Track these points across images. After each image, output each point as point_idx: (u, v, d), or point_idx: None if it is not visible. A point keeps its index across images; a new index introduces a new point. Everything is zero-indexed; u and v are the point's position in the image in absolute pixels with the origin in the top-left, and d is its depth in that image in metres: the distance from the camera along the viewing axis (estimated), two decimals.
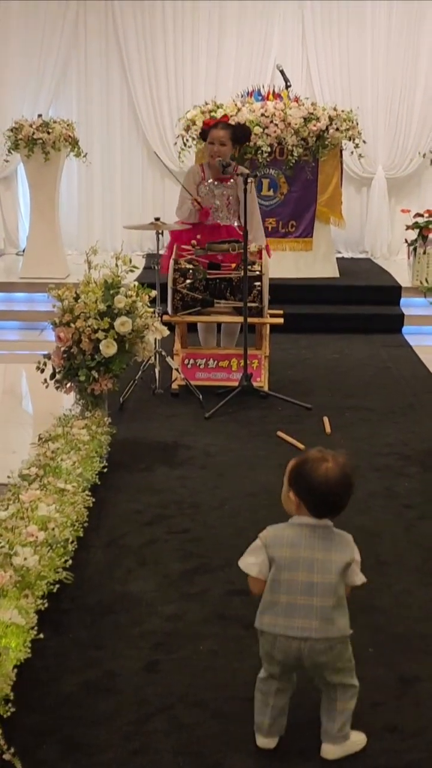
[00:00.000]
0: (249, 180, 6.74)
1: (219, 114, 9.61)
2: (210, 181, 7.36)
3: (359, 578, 2.98)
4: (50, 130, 10.04)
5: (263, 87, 10.60)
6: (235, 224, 7.34)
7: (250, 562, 3.02)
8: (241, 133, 7.45)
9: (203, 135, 7.51)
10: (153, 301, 6.18)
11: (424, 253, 10.20)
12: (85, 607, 3.98)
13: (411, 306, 9.93)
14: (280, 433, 6.18)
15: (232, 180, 7.28)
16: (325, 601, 2.89)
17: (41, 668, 3.48)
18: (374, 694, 3.33)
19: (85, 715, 3.22)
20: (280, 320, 7.34)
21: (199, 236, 7.33)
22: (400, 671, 3.51)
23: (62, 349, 5.60)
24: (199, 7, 12.49)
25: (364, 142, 10.55)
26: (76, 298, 5.64)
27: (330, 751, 3.01)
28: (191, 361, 7.35)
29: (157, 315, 6.48)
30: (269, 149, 9.84)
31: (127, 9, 12.49)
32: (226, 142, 7.21)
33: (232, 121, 8.42)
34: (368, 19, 12.53)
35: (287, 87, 10.40)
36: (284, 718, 3.07)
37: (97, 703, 3.29)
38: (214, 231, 7.41)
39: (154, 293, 6.11)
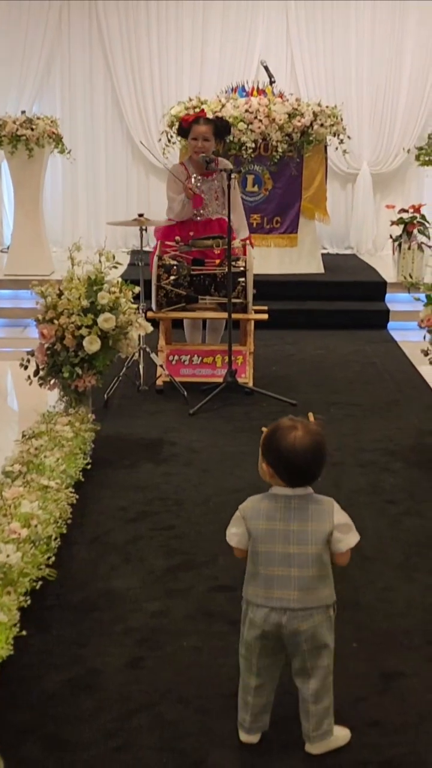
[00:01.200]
0: (232, 176, 6.73)
1: (206, 110, 9.57)
2: (195, 176, 7.34)
3: (344, 543, 2.93)
4: (34, 127, 10.01)
5: (247, 83, 10.61)
6: (224, 214, 7.30)
7: (231, 532, 3.03)
8: (222, 127, 7.43)
9: (183, 132, 7.46)
10: (137, 298, 6.17)
11: (409, 248, 10.21)
12: (68, 604, 3.97)
13: (396, 302, 9.93)
14: (264, 429, 6.16)
15: (215, 174, 7.26)
16: (303, 571, 2.89)
17: (24, 665, 3.47)
18: (357, 689, 3.33)
19: (69, 713, 3.21)
20: (265, 316, 7.34)
21: (192, 233, 7.30)
22: (382, 667, 3.51)
23: (46, 345, 5.59)
24: (183, 3, 12.48)
25: (348, 137, 10.56)
26: (60, 295, 5.63)
27: (312, 747, 3.01)
28: (176, 357, 7.34)
29: (141, 311, 6.47)
30: (254, 145, 9.84)
31: (110, 5, 12.48)
32: (209, 137, 7.20)
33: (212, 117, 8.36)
34: (352, 15, 12.55)
35: (271, 83, 10.41)
36: (267, 716, 3.07)
37: (81, 700, 3.29)
38: (207, 226, 7.39)
39: (137, 289, 6.10)
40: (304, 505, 2.94)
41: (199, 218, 7.37)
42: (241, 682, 3.07)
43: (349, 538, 2.95)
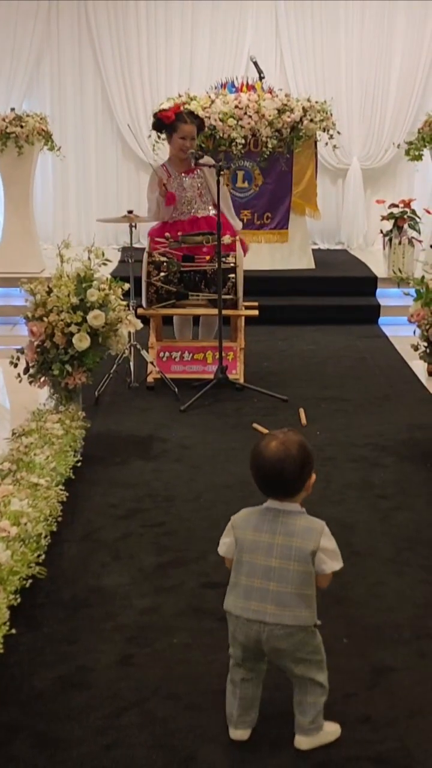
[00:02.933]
0: (222, 172, 6.71)
1: (193, 106, 9.55)
2: (177, 174, 7.32)
3: (328, 566, 2.93)
4: (23, 124, 10.00)
5: (237, 79, 10.61)
6: (211, 212, 7.29)
7: (222, 542, 3.07)
8: (200, 125, 7.46)
9: (162, 127, 7.39)
10: (127, 294, 6.17)
11: (400, 243, 10.21)
12: (58, 601, 3.97)
13: (387, 297, 9.93)
14: (255, 425, 6.18)
15: (197, 170, 7.24)
16: (282, 587, 2.88)
17: (14, 663, 3.47)
18: (347, 684, 3.33)
19: (59, 710, 3.21)
20: (255, 312, 7.33)
21: (180, 232, 7.29)
22: (372, 662, 3.51)
23: (35, 343, 5.58)
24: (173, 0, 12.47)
25: (338, 133, 10.56)
26: (49, 292, 5.62)
27: (303, 742, 3.01)
28: (166, 354, 7.33)
29: (131, 308, 6.47)
30: (243, 141, 9.83)
31: (100, 2, 12.46)
32: (195, 136, 7.24)
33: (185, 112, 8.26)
34: (342, 10, 12.56)
35: (261, 78, 10.40)
36: (254, 711, 3.07)
37: (71, 698, 3.28)
38: (194, 224, 7.37)
39: (127, 286, 6.09)
40: (292, 521, 2.94)
41: (184, 216, 7.34)
42: (228, 675, 3.08)
43: (333, 563, 2.95)
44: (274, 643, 2.89)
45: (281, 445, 2.91)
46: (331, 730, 3.06)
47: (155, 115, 7.45)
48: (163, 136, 9.73)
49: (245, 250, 7.45)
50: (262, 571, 2.91)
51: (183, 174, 7.32)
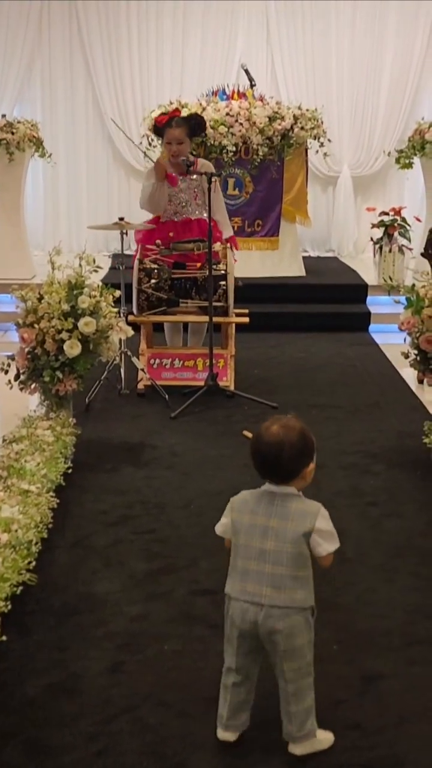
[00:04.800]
0: (213, 179, 6.72)
1: (184, 113, 9.54)
2: (176, 176, 7.32)
3: (323, 548, 2.95)
4: (14, 131, 9.99)
5: (228, 86, 10.60)
6: (205, 215, 7.26)
7: (220, 522, 3.10)
8: (196, 125, 7.37)
9: (159, 132, 7.45)
10: (118, 301, 6.17)
11: (390, 251, 10.24)
12: (49, 608, 3.97)
13: (377, 304, 9.94)
14: (245, 432, 6.16)
15: (195, 175, 7.23)
16: (277, 569, 2.91)
17: (5, 670, 3.47)
18: (337, 691, 3.34)
19: (50, 717, 3.22)
20: (246, 319, 7.35)
21: (171, 234, 7.29)
22: (362, 668, 3.52)
23: (26, 349, 5.59)
24: (164, 7, 12.49)
25: (329, 140, 10.57)
26: (40, 299, 5.62)
27: (296, 748, 3.02)
28: (157, 361, 7.34)
29: (122, 315, 6.47)
30: (234, 149, 9.83)
31: (91, 9, 12.47)
32: (183, 139, 7.15)
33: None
34: (333, 18, 12.57)
35: (252, 86, 10.41)
36: (245, 715, 3.07)
37: (62, 705, 3.29)
38: (186, 226, 7.38)
39: (118, 293, 6.10)
40: (287, 504, 2.96)
41: (177, 217, 7.35)
42: (222, 677, 3.09)
43: (328, 544, 2.97)
44: (271, 624, 2.90)
45: (281, 429, 2.94)
46: (324, 738, 3.06)
47: (154, 121, 7.47)
48: (155, 143, 9.84)
49: (234, 244, 7.44)
50: (257, 554, 2.93)
51: (180, 176, 7.31)
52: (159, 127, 7.35)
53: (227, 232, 7.44)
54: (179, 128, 7.16)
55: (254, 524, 2.96)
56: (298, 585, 2.93)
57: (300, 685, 2.98)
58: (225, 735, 3.07)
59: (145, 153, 9.80)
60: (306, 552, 2.94)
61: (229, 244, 7.32)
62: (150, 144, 10.14)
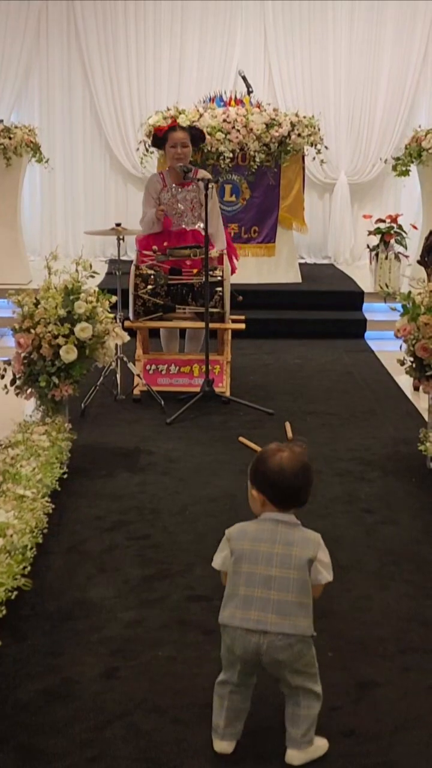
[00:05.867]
0: (210, 185, 6.74)
1: (182, 119, 9.60)
2: (173, 186, 7.35)
3: (323, 577, 2.98)
4: (11, 136, 10.02)
5: (225, 93, 10.63)
6: (200, 226, 7.30)
7: (217, 556, 3.09)
8: (197, 134, 7.48)
9: (158, 142, 7.49)
10: (114, 307, 6.17)
11: (386, 258, 10.25)
12: (44, 613, 3.97)
13: (373, 311, 9.96)
14: (241, 439, 6.18)
15: (193, 184, 7.26)
16: (282, 595, 2.90)
17: None
18: (332, 698, 3.33)
19: (43, 722, 3.21)
20: (242, 326, 7.35)
21: (165, 243, 7.31)
22: (357, 676, 3.52)
23: (22, 354, 5.58)
24: (161, 13, 12.53)
25: (326, 147, 10.61)
26: (36, 304, 5.62)
27: (295, 756, 3.00)
28: (153, 366, 7.34)
29: (118, 320, 6.47)
30: (231, 155, 9.86)
31: (88, 15, 12.50)
32: (187, 143, 7.23)
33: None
34: (330, 26, 12.61)
35: (249, 93, 10.44)
36: (240, 723, 3.07)
37: (55, 710, 3.28)
38: (181, 237, 7.39)
39: (114, 299, 6.10)
40: (291, 531, 2.98)
41: (173, 228, 7.36)
42: (216, 687, 3.08)
43: (326, 575, 3.00)
44: (274, 654, 2.90)
45: (294, 457, 2.98)
46: (321, 745, 3.06)
47: (153, 132, 7.50)
48: (152, 149, 9.84)
49: (235, 254, 7.48)
50: (262, 581, 2.93)
51: (178, 186, 7.33)
52: (159, 136, 7.38)
53: (220, 245, 7.42)
54: (183, 132, 7.23)
55: (257, 551, 2.96)
56: (302, 612, 2.93)
57: (308, 694, 2.99)
58: (222, 746, 3.05)
59: (141, 159, 9.86)
60: (308, 578, 2.95)
61: (226, 254, 7.32)
62: (147, 150, 10.15)
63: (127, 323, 7.04)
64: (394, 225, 10.39)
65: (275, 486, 2.98)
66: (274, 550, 2.94)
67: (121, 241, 7.09)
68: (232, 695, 3.04)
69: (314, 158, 10.72)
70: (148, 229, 7.40)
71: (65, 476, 5.19)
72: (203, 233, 6.92)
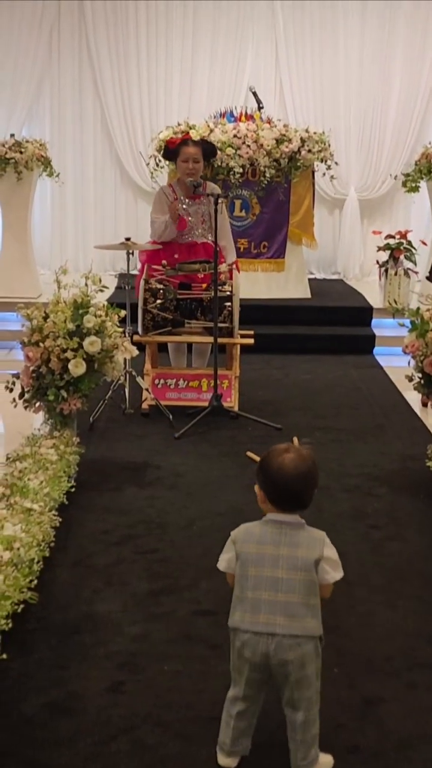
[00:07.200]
0: (220, 200, 6.75)
1: (192, 135, 9.62)
2: (184, 199, 7.36)
3: (331, 576, 2.97)
4: (23, 150, 10.06)
5: (236, 108, 10.65)
6: (210, 239, 7.29)
7: (221, 558, 3.08)
8: (209, 149, 7.51)
9: (169, 154, 7.52)
10: (123, 321, 6.18)
11: (395, 274, 10.26)
12: (50, 627, 3.97)
13: (382, 327, 9.95)
14: (248, 453, 6.17)
15: (203, 198, 7.27)
16: (290, 597, 2.90)
17: (4, 689, 3.47)
18: (337, 715, 3.33)
19: (48, 736, 3.21)
20: (251, 341, 7.36)
21: (176, 255, 7.33)
22: (363, 692, 3.52)
23: (31, 368, 5.59)
24: (173, 29, 12.57)
25: (336, 163, 10.62)
26: (45, 318, 5.64)
27: None
28: (161, 381, 7.35)
29: (127, 335, 6.48)
30: (241, 170, 9.87)
31: (100, 31, 12.55)
32: (199, 158, 7.24)
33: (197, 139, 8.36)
34: (341, 41, 12.63)
35: (260, 108, 10.47)
36: (247, 739, 3.07)
37: (61, 724, 3.28)
38: (191, 249, 7.42)
39: (123, 313, 6.11)
40: (295, 532, 2.97)
41: (183, 241, 7.38)
42: (226, 704, 3.07)
43: (335, 573, 2.99)
44: (282, 654, 2.89)
45: (299, 458, 2.96)
46: (326, 761, 3.05)
47: (165, 145, 7.53)
48: (162, 163, 9.86)
49: (237, 268, 7.50)
50: (269, 583, 2.92)
51: (189, 199, 7.35)
52: (171, 149, 7.40)
53: (231, 257, 7.45)
54: (195, 147, 7.25)
55: (263, 554, 2.95)
56: (310, 613, 2.93)
57: (309, 714, 2.97)
58: (226, 761, 3.05)
59: (151, 173, 9.87)
60: (315, 579, 2.94)
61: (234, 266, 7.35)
62: (158, 165, 10.18)
63: (135, 337, 7.05)
64: (404, 241, 10.39)
65: (274, 485, 2.97)
66: (280, 552, 2.94)
67: (131, 256, 7.10)
68: (240, 716, 3.03)
69: (324, 174, 10.75)
70: (159, 235, 7.37)
71: (73, 490, 5.20)
72: (213, 245, 6.93)
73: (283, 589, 2.91)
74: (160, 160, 10.05)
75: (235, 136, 9.84)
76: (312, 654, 2.93)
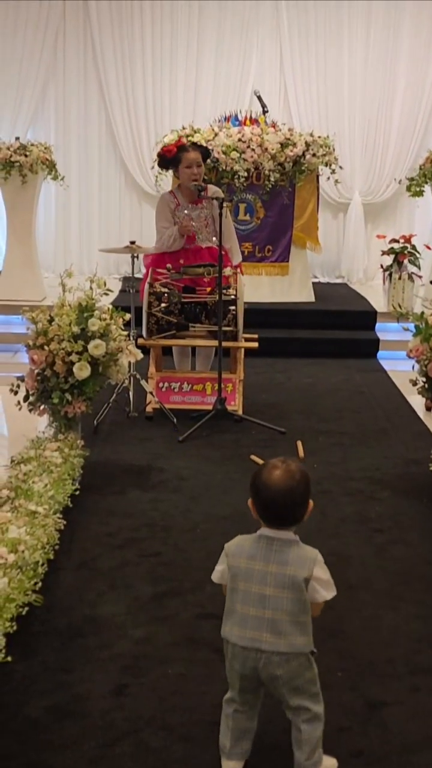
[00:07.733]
0: (224, 204, 6.76)
1: (197, 138, 9.65)
2: (186, 204, 7.38)
3: (320, 595, 2.94)
4: (28, 153, 10.07)
5: (240, 112, 10.66)
6: (215, 242, 7.29)
7: (215, 570, 3.09)
8: (205, 152, 7.55)
9: (167, 163, 7.49)
10: (128, 324, 6.19)
11: (399, 278, 10.26)
12: (54, 630, 3.97)
13: (386, 331, 9.96)
14: (252, 457, 6.19)
15: (205, 201, 7.29)
16: (277, 614, 2.89)
17: (8, 691, 3.48)
18: (341, 718, 3.34)
19: (52, 739, 3.21)
20: (255, 344, 7.36)
21: (182, 260, 7.34)
22: (366, 696, 3.52)
23: (36, 371, 5.60)
24: (178, 32, 12.59)
25: (340, 167, 10.63)
26: (50, 321, 5.65)
27: None
28: (166, 384, 7.35)
29: (131, 338, 6.49)
30: (246, 174, 9.89)
31: (105, 34, 12.56)
32: (200, 162, 7.28)
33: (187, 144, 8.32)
34: (345, 46, 12.65)
35: (264, 112, 10.47)
36: (248, 743, 3.07)
37: (64, 727, 3.29)
38: (197, 254, 7.43)
39: (128, 316, 6.12)
40: (286, 549, 2.95)
41: (188, 246, 7.39)
42: (223, 705, 3.08)
43: (325, 592, 2.97)
44: (271, 670, 2.89)
45: (286, 475, 2.93)
46: (329, 765, 3.06)
47: (159, 155, 7.51)
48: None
49: (241, 270, 7.51)
50: (257, 599, 2.92)
51: (191, 204, 7.36)
52: (170, 157, 7.37)
53: (236, 258, 7.49)
54: (196, 151, 7.26)
55: (252, 569, 2.94)
56: (299, 630, 2.91)
57: (310, 716, 2.97)
58: (229, 765, 3.06)
59: (156, 178, 9.87)
60: (305, 597, 2.92)
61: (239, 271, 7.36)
62: (163, 172, 10.18)
63: (140, 341, 7.06)
64: (408, 245, 10.39)
65: (260, 501, 2.95)
66: (269, 569, 2.92)
67: (135, 259, 7.12)
68: (237, 714, 3.04)
69: (329, 178, 10.76)
70: (167, 247, 7.39)
71: (77, 493, 5.21)
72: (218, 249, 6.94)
73: (270, 606, 2.90)
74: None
75: (239, 140, 9.86)
76: (302, 668, 2.93)
